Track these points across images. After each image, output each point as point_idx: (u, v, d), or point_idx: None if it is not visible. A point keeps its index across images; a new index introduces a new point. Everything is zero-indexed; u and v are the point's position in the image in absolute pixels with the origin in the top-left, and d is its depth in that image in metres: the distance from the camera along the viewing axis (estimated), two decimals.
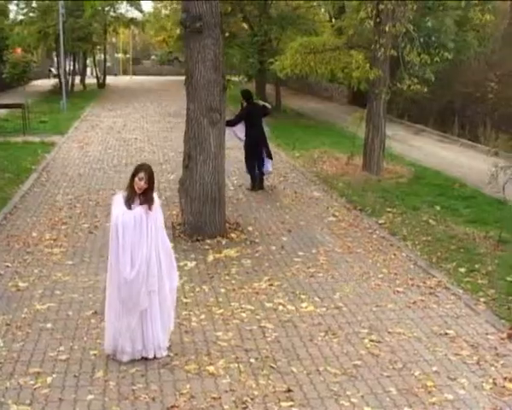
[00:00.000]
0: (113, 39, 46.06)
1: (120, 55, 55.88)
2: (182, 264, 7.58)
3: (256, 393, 4.92)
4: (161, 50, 52.50)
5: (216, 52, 8.61)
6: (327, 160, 15.66)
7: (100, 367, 5.26)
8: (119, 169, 13.44)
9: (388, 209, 10.79)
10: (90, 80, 39.80)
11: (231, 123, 11.56)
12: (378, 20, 10.71)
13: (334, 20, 28.87)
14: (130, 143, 16.86)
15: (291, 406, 4.77)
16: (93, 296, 6.75)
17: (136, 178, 5.28)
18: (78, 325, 6.05)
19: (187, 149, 8.84)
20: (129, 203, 5.27)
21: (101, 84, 37.23)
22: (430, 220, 10.12)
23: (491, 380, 5.22)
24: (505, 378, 5.24)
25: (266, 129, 12.28)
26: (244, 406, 4.74)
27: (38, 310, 6.37)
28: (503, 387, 5.12)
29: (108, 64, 44.82)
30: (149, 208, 5.28)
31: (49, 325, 6.02)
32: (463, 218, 10.44)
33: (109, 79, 41.71)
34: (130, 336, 5.28)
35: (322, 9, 30.90)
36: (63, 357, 5.40)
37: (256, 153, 11.92)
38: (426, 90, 11.21)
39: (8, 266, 7.60)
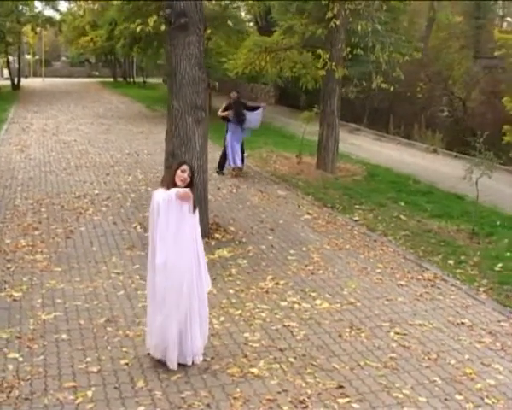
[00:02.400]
0: (25, 40, 44.03)
1: (30, 57, 53.50)
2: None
3: (309, 392, 4.83)
4: (75, 51, 50.73)
5: (200, 49, 8.42)
6: (277, 159, 15.72)
7: (138, 377, 4.99)
8: (71, 172, 12.86)
9: (357, 206, 10.97)
10: (2, 82, 37.91)
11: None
12: (349, 20, 10.87)
13: (259, 20, 29.14)
14: (71, 145, 16.16)
15: (348, 401, 4.72)
16: (99, 303, 6.40)
17: (179, 171, 5.09)
18: (96, 335, 5.71)
19: (170, 147, 8.57)
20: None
21: (16, 86, 35.49)
22: (401, 216, 10.38)
23: None
24: None
25: (253, 124, 13.22)
26: (304, 405, 4.64)
27: (46, 320, 5.95)
28: None
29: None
30: (191, 212, 5.08)
31: (64, 336, 5.64)
32: (429, 213, 10.79)
33: (21, 81, 39.85)
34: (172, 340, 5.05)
35: (243, 13, 31.09)
36: (94, 369, 5.07)
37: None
38: (392, 88, 11.47)
39: None
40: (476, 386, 5.02)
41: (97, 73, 55.73)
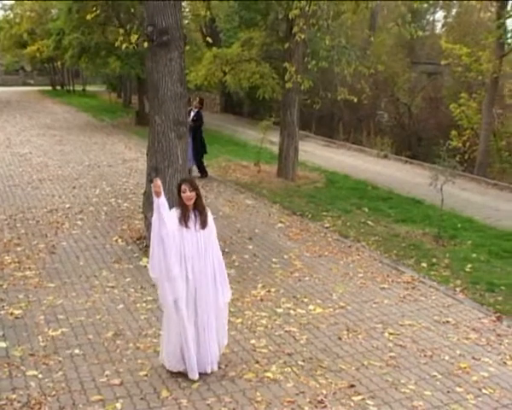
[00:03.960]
0: None
1: None
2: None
3: (324, 392, 5.18)
4: (10, 59, 49.45)
5: (181, 65, 8.64)
6: (236, 168, 16.04)
7: (160, 387, 5.20)
8: (37, 186, 12.77)
9: (324, 213, 11.42)
10: None
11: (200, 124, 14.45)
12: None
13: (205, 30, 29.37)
14: (28, 158, 15.98)
15: (362, 399, 5.10)
16: (101, 318, 6.54)
17: (181, 193, 5.30)
18: (108, 348, 5.86)
19: (153, 162, 8.74)
20: (185, 221, 5.25)
21: None
22: (368, 222, 10.90)
23: (507, 356, 5.96)
24: None
25: None
26: (323, 405, 4.98)
27: (54, 337, 6.05)
28: None
29: None
30: (202, 227, 5.31)
31: (77, 351, 5.77)
32: (392, 218, 11.36)
33: None
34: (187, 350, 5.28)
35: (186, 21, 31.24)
36: (116, 381, 5.25)
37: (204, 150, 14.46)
38: (356, 99, 12.00)
39: None
40: (472, 378, 5.50)
41: (32, 82, 54.51)
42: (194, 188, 5.33)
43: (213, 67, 14.06)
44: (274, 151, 16.50)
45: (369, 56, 14.68)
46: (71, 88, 43.95)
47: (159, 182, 5.14)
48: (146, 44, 8.46)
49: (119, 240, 9.28)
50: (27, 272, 7.80)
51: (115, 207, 11.27)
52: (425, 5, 31.67)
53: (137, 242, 9.23)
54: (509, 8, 15.66)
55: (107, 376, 5.35)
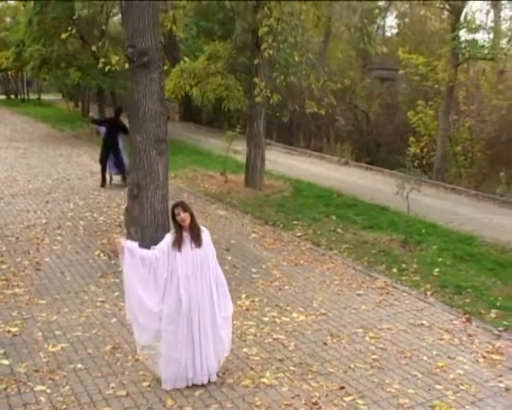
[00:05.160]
0: None
1: None
2: None
3: (317, 394, 5.61)
4: None
5: (161, 85, 8.95)
6: (203, 178, 16.37)
7: (164, 396, 5.53)
8: (9, 201, 12.84)
9: (295, 222, 11.89)
10: None
11: (98, 122, 16.59)
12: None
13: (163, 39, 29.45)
14: None
15: (353, 399, 5.55)
16: (97, 332, 6.82)
17: (176, 216, 5.64)
18: (109, 362, 6.16)
19: (135, 179, 9.03)
20: (178, 245, 5.60)
21: None
22: (338, 229, 11.42)
23: (479, 355, 6.51)
24: (488, 352, 6.58)
25: (121, 142, 14.64)
26: (318, 406, 5.41)
27: (55, 352, 6.31)
28: (491, 359, 6.43)
29: None
30: (198, 246, 5.66)
31: (80, 366, 6.04)
32: (360, 224, 11.92)
33: None
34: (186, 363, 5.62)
35: None
36: (123, 393, 5.56)
37: (107, 157, 14.72)
38: (324, 112, 12.53)
39: None
40: (450, 376, 6.02)
41: None
42: (187, 209, 5.71)
43: (181, 81, 14.39)
44: (238, 160, 16.92)
45: (333, 71, 15.16)
46: (25, 97, 43.38)
47: (118, 240, 5.77)
48: (127, 65, 8.74)
49: (101, 254, 9.52)
50: (16, 290, 7.99)
51: (91, 221, 11.48)
52: (376, 10, 32.62)
53: (119, 256, 9.46)
54: (461, 19, 16.48)
55: (112, 388, 5.65)
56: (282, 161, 19.76)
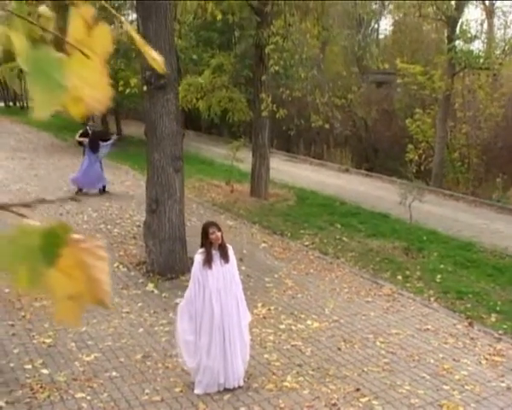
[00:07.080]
0: None
1: None
2: (179, 301, 8.35)
3: (336, 396, 6.13)
4: None
5: (177, 104, 9.50)
6: (209, 188, 16.89)
7: (196, 401, 6.04)
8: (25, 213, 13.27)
9: (302, 231, 12.41)
10: None
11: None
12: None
13: None
14: (6, 185, 16.39)
15: (369, 400, 6.07)
16: (127, 341, 7.31)
17: (211, 236, 6.12)
18: (141, 369, 6.65)
19: (153, 194, 9.54)
20: (209, 263, 6.09)
21: None
22: (343, 238, 11.95)
23: (482, 357, 7.04)
24: (489, 354, 7.11)
25: (104, 151, 15.39)
26: (337, 407, 5.92)
27: (89, 362, 6.80)
28: (493, 360, 6.96)
29: None
30: (226, 261, 6.17)
31: (114, 373, 6.54)
32: (363, 232, 12.44)
33: None
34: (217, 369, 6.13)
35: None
36: (158, 398, 6.06)
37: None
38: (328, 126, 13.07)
39: (12, 325, 7.74)
40: (455, 377, 6.55)
41: None
42: (219, 229, 6.21)
43: (188, 94, 14.91)
44: (242, 169, 17.41)
45: (338, 87, 15.69)
46: (24, 104, 43.73)
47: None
48: (145, 88, 9.26)
49: (121, 266, 10.01)
50: (45, 302, 8.46)
51: (106, 233, 11.96)
52: (371, 14, 33.14)
53: (137, 267, 9.98)
54: (457, 31, 17.06)
55: (147, 394, 6.15)
56: (284, 169, 20.24)
